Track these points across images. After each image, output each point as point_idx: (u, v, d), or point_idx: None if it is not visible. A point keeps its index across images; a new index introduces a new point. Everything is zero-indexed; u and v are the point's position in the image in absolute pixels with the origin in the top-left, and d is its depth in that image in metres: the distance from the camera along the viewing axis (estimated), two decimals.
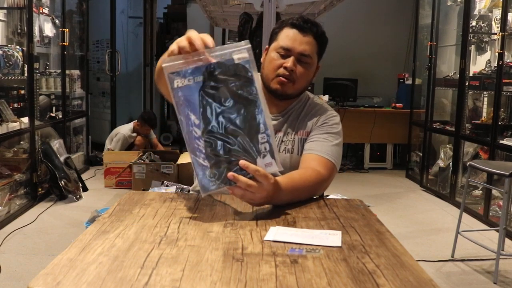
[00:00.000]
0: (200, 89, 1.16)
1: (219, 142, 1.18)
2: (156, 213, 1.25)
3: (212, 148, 1.18)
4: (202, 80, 1.16)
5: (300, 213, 1.30)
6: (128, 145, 5.37)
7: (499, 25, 4.02)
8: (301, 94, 1.70)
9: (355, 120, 5.96)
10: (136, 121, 5.48)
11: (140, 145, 5.42)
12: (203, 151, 1.18)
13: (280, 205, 1.32)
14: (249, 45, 1.18)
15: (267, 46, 1.69)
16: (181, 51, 1.16)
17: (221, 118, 1.17)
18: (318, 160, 1.54)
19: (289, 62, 1.58)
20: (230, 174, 1.18)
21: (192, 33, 1.18)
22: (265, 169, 1.21)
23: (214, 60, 1.16)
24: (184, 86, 1.16)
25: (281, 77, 1.59)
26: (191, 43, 1.16)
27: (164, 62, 1.17)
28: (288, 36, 1.60)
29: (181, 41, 1.17)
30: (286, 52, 1.59)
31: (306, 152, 1.59)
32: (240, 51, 1.18)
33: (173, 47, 1.18)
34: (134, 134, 5.44)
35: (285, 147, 1.64)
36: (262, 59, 1.69)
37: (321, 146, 1.58)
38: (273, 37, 1.67)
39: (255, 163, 1.20)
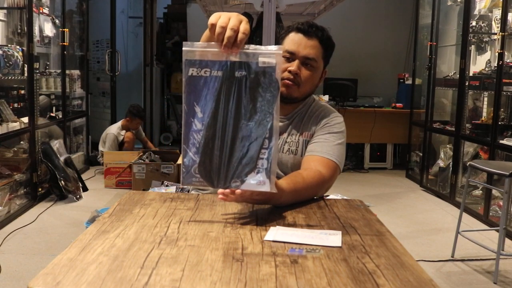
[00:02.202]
0: (217, 84, 1.12)
1: (216, 142, 1.14)
2: (156, 213, 1.25)
3: (207, 145, 1.14)
4: (221, 76, 1.12)
5: (300, 213, 1.30)
6: (119, 142, 5.42)
7: (499, 25, 4.02)
8: (307, 97, 1.71)
9: (355, 120, 5.96)
10: (124, 118, 5.51)
11: (129, 141, 5.42)
12: (197, 145, 1.15)
13: (280, 205, 1.33)
14: (280, 51, 1.13)
15: None
16: (217, 35, 1.12)
17: (228, 120, 1.13)
18: (319, 160, 1.55)
19: (293, 65, 1.59)
20: (239, 191, 1.14)
21: (232, 22, 1.12)
22: (256, 188, 1.14)
23: (237, 59, 1.12)
24: (198, 76, 1.13)
25: (285, 80, 1.60)
26: (229, 30, 1.11)
27: (185, 45, 1.12)
28: (293, 40, 1.61)
29: (223, 23, 1.12)
30: (291, 56, 1.60)
31: (308, 154, 1.60)
32: (268, 56, 1.12)
33: (213, 22, 1.13)
34: (123, 132, 5.46)
35: (289, 148, 1.65)
36: None
37: (322, 146, 1.59)
38: (279, 42, 1.68)
39: (243, 173, 1.14)
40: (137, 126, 5.57)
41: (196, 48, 1.13)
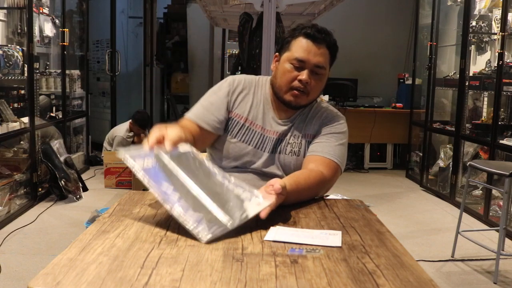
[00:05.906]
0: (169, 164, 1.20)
1: (204, 196, 1.14)
2: (156, 213, 1.25)
3: (197, 202, 1.12)
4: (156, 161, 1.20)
5: (300, 213, 1.30)
6: (129, 145, 5.34)
7: (499, 25, 4.02)
8: (313, 102, 1.69)
9: (355, 120, 5.95)
10: (130, 120, 5.43)
11: (140, 144, 5.37)
12: (190, 207, 1.10)
13: (280, 205, 1.32)
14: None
15: (276, 53, 1.67)
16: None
17: (196, 182, 1.17)
18: (320, 161, 1.54)
19: (304, 75, 1.55)
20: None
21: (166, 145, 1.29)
22: (263, 205, 1.18)
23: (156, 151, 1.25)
24: (148, 168, 1.18)
25: (295, 90, 1.57)
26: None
27: (120, 153, 1.24)
28: (302, 47, 1.56)
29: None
30: (300, 64, 1.55)
31: (309, 154, 1.60)
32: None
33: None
34: (131, 133, 5.38)
35: (292, 149, 1.63)
36: (272, 67, 1.66)
37: (324, 147, 1.58)
38: (284, 45, 1.62)
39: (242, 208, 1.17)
40: (139, 132, 5.38)
41: (132, 152, 1.24)
